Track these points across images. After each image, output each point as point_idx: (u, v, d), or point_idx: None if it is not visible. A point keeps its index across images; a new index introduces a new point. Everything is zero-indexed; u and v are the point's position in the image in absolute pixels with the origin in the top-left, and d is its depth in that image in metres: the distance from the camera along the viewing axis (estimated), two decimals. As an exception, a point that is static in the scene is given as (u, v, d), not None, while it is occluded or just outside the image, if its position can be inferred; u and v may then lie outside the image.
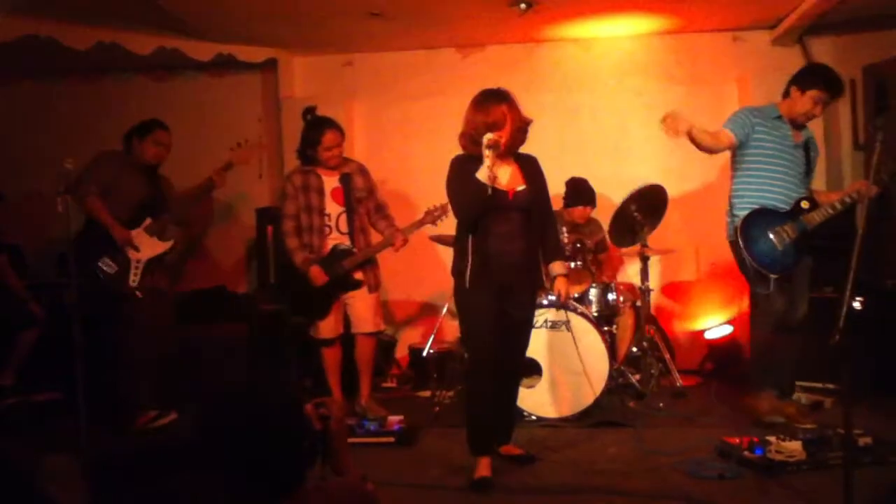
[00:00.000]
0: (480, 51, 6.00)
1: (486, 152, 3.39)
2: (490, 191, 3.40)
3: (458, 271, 3.60)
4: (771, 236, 4.11)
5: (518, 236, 3.60)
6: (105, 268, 4.46)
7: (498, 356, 3.58)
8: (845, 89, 4.30)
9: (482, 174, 3.40)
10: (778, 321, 4.17)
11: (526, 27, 5.50)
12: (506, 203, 3.57)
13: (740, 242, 4.11)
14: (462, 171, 3.52)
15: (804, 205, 4.15)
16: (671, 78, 5.87)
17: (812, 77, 4.23)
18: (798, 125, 4.26)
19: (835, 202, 4.10)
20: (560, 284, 3.73)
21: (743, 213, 4.16)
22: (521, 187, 3.62)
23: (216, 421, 1.61)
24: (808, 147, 4.27)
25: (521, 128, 3.58)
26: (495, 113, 3.47)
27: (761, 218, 4.15)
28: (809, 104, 4.18)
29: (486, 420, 3.63)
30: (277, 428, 1.61)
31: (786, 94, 4.27)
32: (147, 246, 4.55)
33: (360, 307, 4.65)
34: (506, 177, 3.60)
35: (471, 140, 3.53)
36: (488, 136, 3.40)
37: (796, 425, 3.91)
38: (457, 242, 3.65)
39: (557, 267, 3.75)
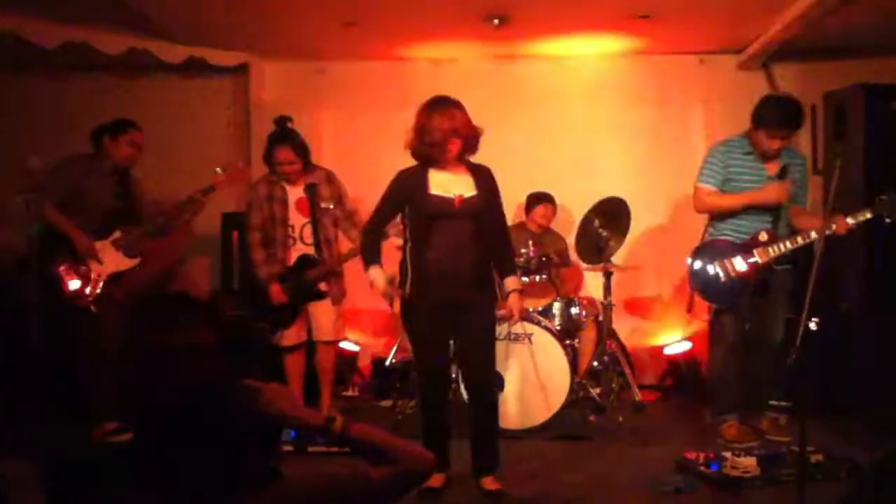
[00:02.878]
0: (453, 64, 6.03)
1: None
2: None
3: (400, 285, 3.52)
4: (717, 268, 4.13)
5: (467, 249, 3.44)
6: (65, 276, 4.28)
7: (449, 374, 3.56)
8: (802, 119, 4.13)
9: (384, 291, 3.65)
10: (736, 346, 4.19)
11: (499, 43, 5.55)
12: (451, 211, 3.43)
13: (688, 270, 4.19)
14: (399, 188, 3.58)
15: (762, 237, 4.10)
16: (639, 98, 5.96)
17: (759, 114, 4.11)
18: (769, 157, 4.15)
19: (796, 237, 4.05)
20: (513, 302, 3.56)
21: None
22: (470, 194, 3.48)
23: (157, 423, 1.56)
24: (782, 176, 4.16)
25: (474, 136, 3.50)
26: (458, 118, 3.41)
27: (713, 249, 4.19)
28: (765, 140, 4.08)
29: (436, 435, 3.53)
30: (222, 434, 1.55)
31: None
32: (111, 260, 4.39)
33: (322, 315, 4.62)
34: (454, 184, 3.49)
35: (428, 146, 3.42)
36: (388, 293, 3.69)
37: (770, 438, 4.06)
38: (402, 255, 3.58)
39: (511, 283, 3.58)
